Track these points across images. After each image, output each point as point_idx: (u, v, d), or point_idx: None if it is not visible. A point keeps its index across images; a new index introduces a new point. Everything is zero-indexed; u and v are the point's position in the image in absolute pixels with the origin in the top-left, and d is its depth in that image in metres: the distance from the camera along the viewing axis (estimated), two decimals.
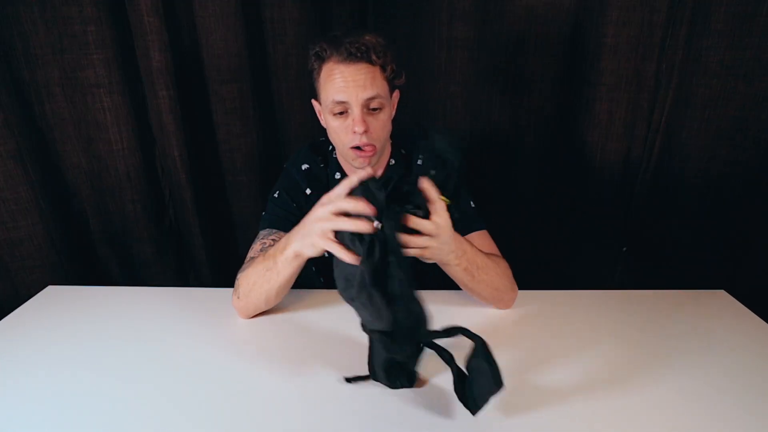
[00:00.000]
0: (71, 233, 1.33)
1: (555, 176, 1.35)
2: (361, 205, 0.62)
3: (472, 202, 1.01)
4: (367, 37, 0.84)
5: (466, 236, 0.93)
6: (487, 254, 0.85)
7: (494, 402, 0.60)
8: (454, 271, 0.79)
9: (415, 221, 0.65)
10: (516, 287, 0.91)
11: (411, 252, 0.67)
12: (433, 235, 0.67)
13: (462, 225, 0.98)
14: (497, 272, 0.85)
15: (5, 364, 0.76)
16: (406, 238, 0.65)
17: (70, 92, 1.22)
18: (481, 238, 0.96)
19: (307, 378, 0.72)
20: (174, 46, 1.21)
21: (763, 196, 1.16)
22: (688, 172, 1.23)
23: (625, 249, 1.38)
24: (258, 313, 0.89)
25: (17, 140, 1.17)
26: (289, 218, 0.96)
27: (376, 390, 0.69)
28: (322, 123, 0.95)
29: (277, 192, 1.00)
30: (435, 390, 0.70)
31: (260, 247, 0.92)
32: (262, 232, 0.97)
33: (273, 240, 0.93)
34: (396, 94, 0.94)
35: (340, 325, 0.86)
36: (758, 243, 1.18)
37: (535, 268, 1.46)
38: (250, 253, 0.93)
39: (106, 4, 1.17)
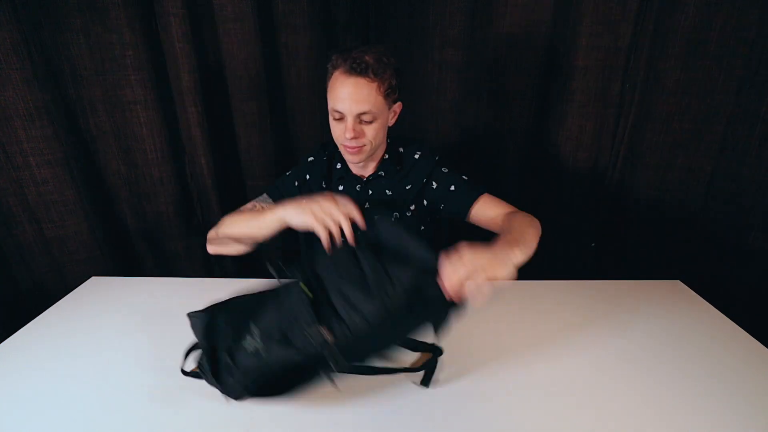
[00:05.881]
0: (112, 231, 1.33)
1: (533, 181, 1.35)
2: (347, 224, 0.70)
3: (464, 176, 0.96)
4: (368, 56, 0.82)
5: (476, 202, 0.92)
6: (516, 227, 0.78)
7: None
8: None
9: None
10: (536, 221, 0.84)
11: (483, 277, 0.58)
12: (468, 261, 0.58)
13: (464, 197, 0.93)
14: (532, 229, 0.78)
15: (56, 343, 0.77)
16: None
17: (110, 108, 1.22)
18: (488, 200, 0.92)
19: None
20: (201, 68, 1.21)
21: (714, 197, 1.16)
22: (648, 177, 1.23)
23: (593, 244, 1.38)
24: (221, 252, 0.87)
25: (65, 150, 1.17)
26: (284, 197, 0.98)
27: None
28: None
29: (289, 173, 1.04)
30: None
31: (251, 206, 0.96)
32: (260, 197, 1.00)
33: (263, 207, 0.95)
34: (398, 105, 0.92)
35: None
36: (710, 239, 1.18)
37: None
38: (242, 208, 0.96)
39: (143, 32, 1.17)
